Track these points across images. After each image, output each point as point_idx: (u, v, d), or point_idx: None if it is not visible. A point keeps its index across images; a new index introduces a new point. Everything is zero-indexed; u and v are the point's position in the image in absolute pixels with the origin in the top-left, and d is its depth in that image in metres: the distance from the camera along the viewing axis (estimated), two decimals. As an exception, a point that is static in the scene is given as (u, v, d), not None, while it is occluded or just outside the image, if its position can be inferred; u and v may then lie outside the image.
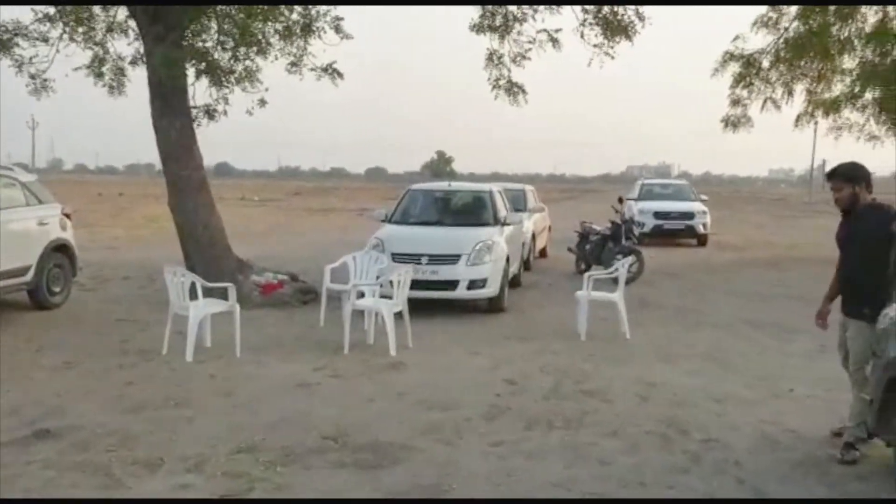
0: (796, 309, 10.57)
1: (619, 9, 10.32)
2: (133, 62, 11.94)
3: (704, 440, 5.34)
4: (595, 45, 10.77)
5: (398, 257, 9.73)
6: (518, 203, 14.65)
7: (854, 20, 15.37)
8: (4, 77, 12.29)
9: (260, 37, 11.11)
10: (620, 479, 4.66)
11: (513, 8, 11.24)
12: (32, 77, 11.65)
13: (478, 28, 11.66)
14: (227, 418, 5.68)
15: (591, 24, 10.62)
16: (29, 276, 9.33)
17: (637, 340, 8.55)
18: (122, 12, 11.58)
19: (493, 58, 11.84)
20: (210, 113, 11.46)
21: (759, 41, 17.12)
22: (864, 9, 15.29)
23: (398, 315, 8.00)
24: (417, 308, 8.65)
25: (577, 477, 4.70)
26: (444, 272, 9.79)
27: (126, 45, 12.06)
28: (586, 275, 9.17)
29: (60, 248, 9.98)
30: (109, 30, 11.81)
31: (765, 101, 17.15)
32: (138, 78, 11.44)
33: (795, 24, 16.15)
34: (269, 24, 11.10)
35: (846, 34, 15.64)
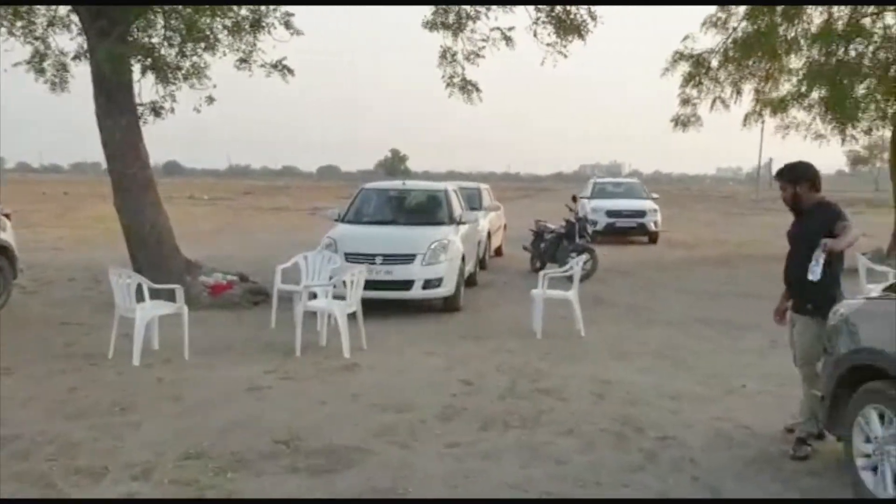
0: (746, 306, 10.75)
1: (572, 8, 10.36)
2: (76, 58, 11.56)
3: (659, 438, 5.35)
4: (548, 44, 10.80)
5: (351, 257, 9.61)
6: (473, 202, 14.63)
7: (800, 21, 15.65)
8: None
9: (208, 32, 10.88)
10: (577, 479, 4.63)
11: (466, 6, 11.21)
12: (-31, 74, 11.25)
13: (431, 25, 11.61)
14: (175, 423, 5.52)
15: (543, 22, 10.64)
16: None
17: (591, 338, 8.57)
18: (63, 7, 11.23)
19: (446, 55, 11.80)
20: (157, 110, 11.19)
21: (709, 41, 17.40)
22: (809, 9, 15.58)
23: (352, 316, 7.88)
24: (371, 309, 8.55)
25: (534, 477, 4.66)
26: (399, 272, 9.69)
27: (69, 41, 11.69)
28: (541, 273, 9.17)
29: (-1, 250, 9.63)
30: (51, 24, 11.42)
31: (714, 101, 17.36)
32: (82, 74, 11.11)
33: (744, 24, 16.36)
34: (217, 19, 10.85)
35: (793, 34, 15.90)
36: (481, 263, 13.52)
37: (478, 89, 11.90)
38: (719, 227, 27.92)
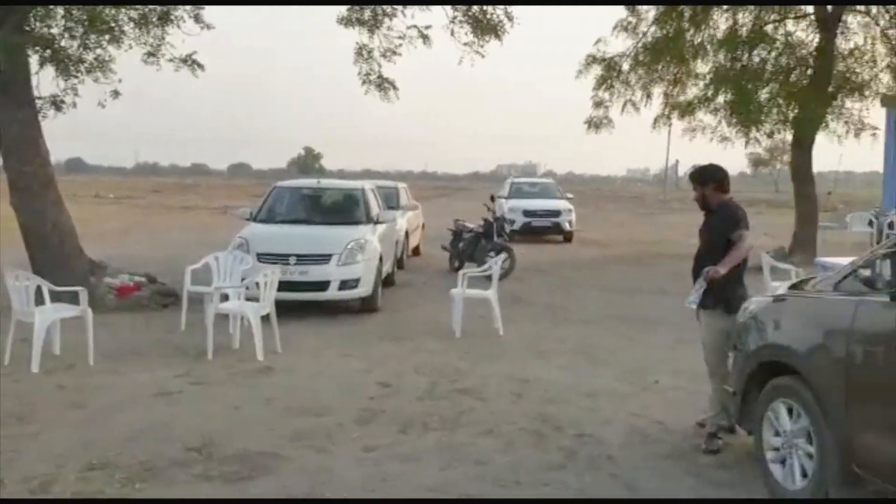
0: (659, 302, 11.01)
1: (489, 8, 10.39)
2: (-32, 47, 10.92)
3: (578, 435, 5.38)
4: (465, 44, 10.81)
5: (264, 257, 9.37)
6: (391, 201, 14.52)
7: (707, 27, 16.15)
8: None
9: (112, 24, 10.42)
10: (497, 479, 4.61)
11: (383, 5, 11.11)
12: None
13: (346, 21, 11.45)
14: (79, 433, 5.24)
15: (460, 22, 10.64)
16: None
17: (510, 337, 8.60)
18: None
19: (362, 52, 11.67)
20: (57, 104, 10.68)
21: (620, 45, 17.73)
22: (716, 16, 16.10)
23: (265, 318, 7.68)
24: (286, 310, 8.35)
25: (454, 479, 4.62)
26: (315, 272, 9.51)
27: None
28: (461, 272, 9.16)
29: None
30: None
31: (625, 104, 17.74)
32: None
33: (653, 29, 16.80)
34: (122, 10, 10.41)
35: (699, 40, 16.40)
36: (399, 263, 13.43)
37: (394, 87, 11.82)
38: (630, 226, 28.60)
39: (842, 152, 56.46)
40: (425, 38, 11.24)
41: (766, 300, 4.90)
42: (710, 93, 15.92)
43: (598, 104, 17.86)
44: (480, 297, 8.87)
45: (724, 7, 16.08)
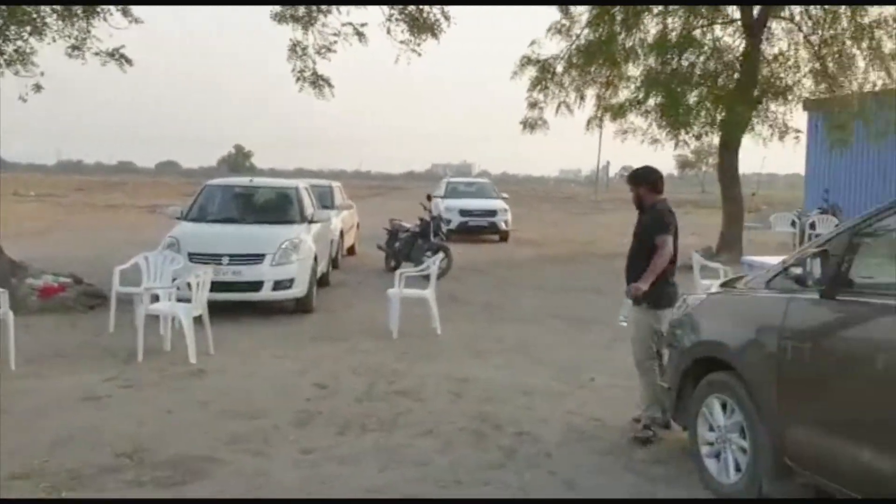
0: (593, 301, 11.16)
1: (426, 7, 10.37)
2: None
3: (516, 434, 5.40)
4: (402, 42, 10.77)
5: (196, 257, 9.14)
6: (325, 200, 14.37)
7: (638, 30, 16.47)
8: None
9: (34, 15, 10.01)
10: (437, 480, 4.59)
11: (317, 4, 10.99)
12: None
13: (280, 18, 11.28)
14: (1, 440, 4.99)
15: (397, 20, 10.58)
16: None
17: (448, 336, 8.58)
18: None
19: (296, 49, 11.51)
20: (-26, 97, 10.22)
21: (554, 47, 17.92)
22: (646, 20, 16.43)
23: (198, 319, 7.49)
24: (218, 311, 8.14)
25: (393, 480, 4.57)
26: (248, 273, 9.32)
27: None
28: (398, 272, 9.09)
29: None
30: None
31: (559, 105, 17.96)
32: None
33: (586, 31, 17.05)
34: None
35: (631, 44, 16.72)
36: (334, 263, 13.27)
37: (329, 84, 11.73)
38: (564, 226, 28.95)
39: (765, 155, 58.24)
40: (361, 35, 11.16)
41: (699, 298, 5.00)
42: (640, 95, 16.24)
43: (533, 105, 18.04)
44: (418, 297, 8.83)
45: (655, 11, 16.44)
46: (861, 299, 3.60)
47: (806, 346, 3.78)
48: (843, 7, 14.93)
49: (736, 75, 16.00)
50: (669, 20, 16.20)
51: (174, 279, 8.27)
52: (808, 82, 16.16)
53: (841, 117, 15.50)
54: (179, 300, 7.82)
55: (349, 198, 17.85)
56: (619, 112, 17.32)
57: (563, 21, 17.40)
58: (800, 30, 16.03)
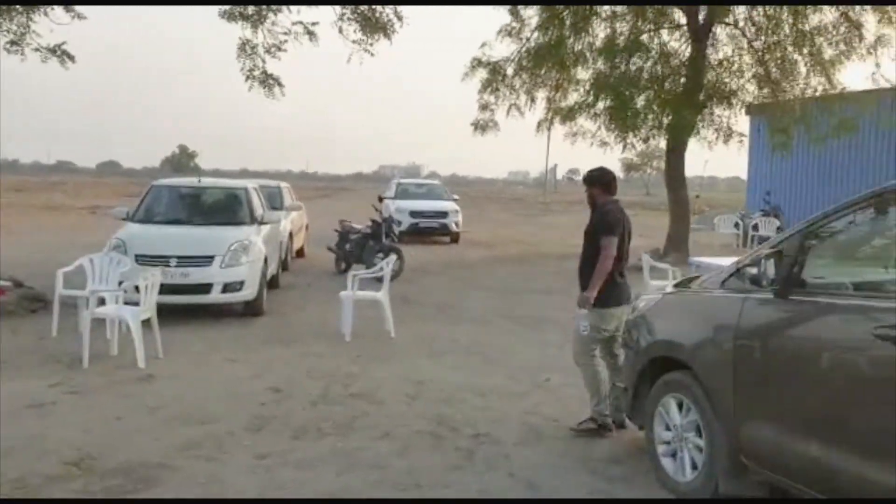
0: (545, 302, 11.24)
1: (378, 6, 10.31)
2: None
3: (474, 436, 5.39)
4: (354, 42, 10.69)
5: (143, 259, 8.93)
6: (274, 201, 14.18)
7: (587, 34, 16.65)
8: None
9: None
10: (396, 483, 4.54)
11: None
12: None
13: (229, 16, 11.10)
14: (-62, 452, 4.80)
15: (349, 19, 10.50)
16: None
17: (402, 338, 8.53)
18: None
19: (246, 48, 11.33)
20: None
21: (505, 49, 18.04)
22: (595, 24, 16.63)
23: (146, 323, 7.30)
24: (166, 314, 7.95)
25: (351, 484, 4.52)
26: (197, 275, 9.14)
27: None
28: (350, 274, 9.00)
29: None
30: None
31: (510, 107, 18.08)
32: None
33: (536, 34, 17.17)
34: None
35: (580, 47, 16.89)
36: (283, 265, 13.11)
37: (279, 83, 11.58)
38: (514, 227, 29.13)
39: (707, 159, 59.72)
40: (311, 34, 11.04)
41: (655, 298, 5.06)
42: (590, 99, 16.41)
43: (484, 107, 18.12)
44: (371, 299, 8.76)
45: (603, 16, 16.65)
46: (812, 299, 3.67)
47: (760, 345, 3.85)
48: (786, 14, 15.33)
49: (682, 80, 16.30)
50: (617, 25, 16.43)
51: (121, 282, 8.06)
52: (751, 87, 16.55)
53: (783, 121, 15.90)
54: (126, 303, 7.62)
55: (297, 199, 17.67)
56: (568, 115, 17.49)
57: (514, 24, 17.51)
58: (744, 35, 16.41)
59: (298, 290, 12.07)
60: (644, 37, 16.32)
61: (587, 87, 16.84)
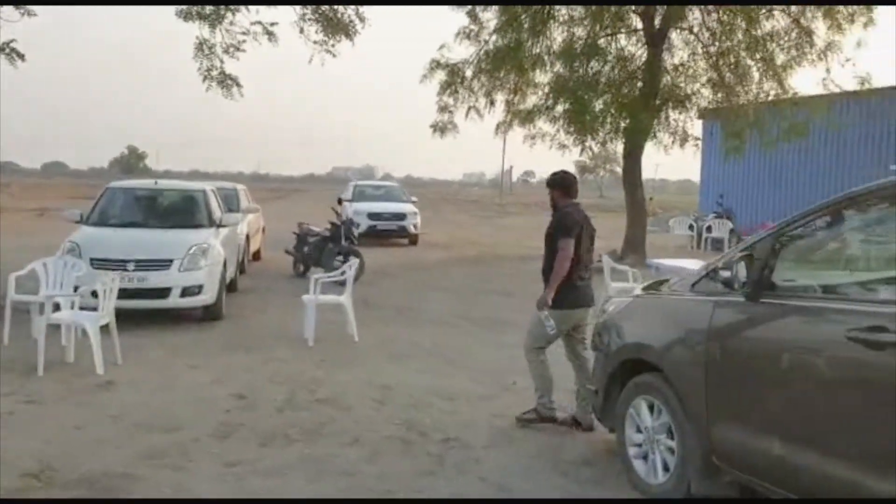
0: (505, 303, 11.26)
1: (340, 7, 10.23)
2: None
3: (444, 440, 5.36)
4: (315, 42, 10.58)
5: (98, 263, 8.72)
6: (231, 203, 13.96)
7: (545, 38, 16.77)
8: None
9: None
10: (367, 489, 4.50)
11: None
12: None
13: (186, 15, 10.91)
14: None
15: (310, 20, 10.39)
16: None
17: (365, 342, 8.47)
18: None
19: (203, 47, 11.15)
20: None
21: (464, 51, 18.07)
22: (553, 28, 16.76)
23: (104, 328, 7.12)
24: (122, 319, 7.71)
25: (323, 492, 4.46)
26: (155, 279, 8.96)
27: None
28: (313, 277, 8.90)
29: None
30: None
31: (469, 109, 18.11)
32: None
33: (494, 37, 17.24)
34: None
35: (538, 51, 17.01)
36: (241, 268, 12.93)
37: (238, 84, 11.44)
38: (471, 228, 29.22)
39: (658, 162, 60.75)
40: (271, 35, 10.91)
41: (625, 301, 5.10)
42: (549, 102, 16.54)
43: (443, 109, 18.12)
44: (334, 303, 8.68)
45: (561, 20, 16.79)
46: (783, 302, 3.73)
47: (731, 348, 3.90)
48: (739, 20, 15.64)
49: (639, 84, 16.52)
50: (575, 29, 16.58)
51: (76, 287, 7.85)
52: (706, 92, 16.86)
53: (737, 125, 16.21)
54: (82, 308, 7.43)
55: (253, 201, 17.45)
56: (527, 118, 17.60)
57: (472, 26, 17.57)
58: (698, 40, 16.70)
59: (257, 294, 11.92)
60: (601, 41, 16.51)
61: (546, 91, 16.97)
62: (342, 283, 9.04)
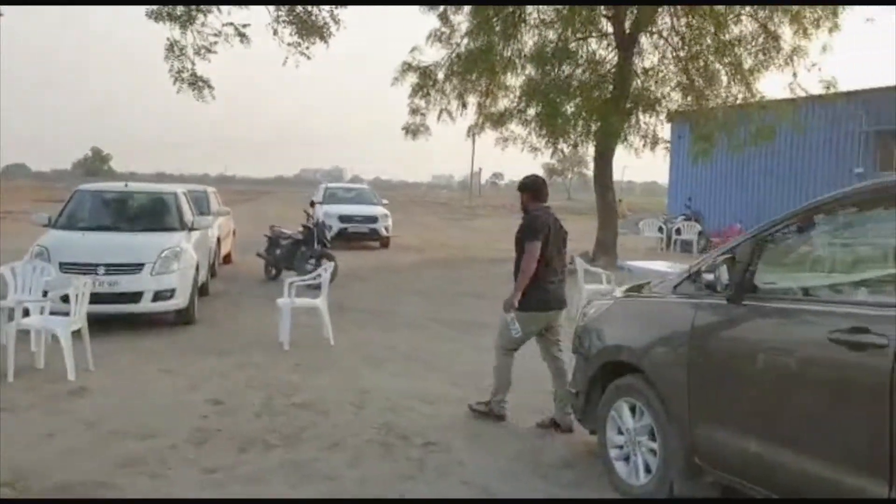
0: (478, 306, 11.26)
1: (314, 9, 10.17)
2: None
3: (424, 444, 5.34)
4: (289, 44, 10.51)
5: (68, 267, 8.57)
6: (201, 206, 13.81)
7: (516, 41, 16.84)
8: None
9: None
10: (350, 494, 4.47)
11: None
12: None
13: (156, 16, 10.77)
14: None
15: (284, 21, 10.32)
16: None
17: (341, 346, 8.42)
18: None
19: (174, 49, 11.02)
20: None
21: (435, 54, 18.08)
22: (524, 31, 16.83)
23: (75, 334, 6.99)
24: (92, 324, 7.57)
25: (305, 497, 4.42)
26: (126, 283, 8.82)
27: None
28: (288, 281, 8.82)
29: None
30: None
31: (441, 112, 18.12)
32: None
33: (466, 40, 17.27)
34: None
35: (509, 54, 17.07)
36: (212, 271, 12.79)
37: (209, 85, 11.31)
38: (442, 231, 29.21)
39: (625, 164, 61.37)
40: (243, 36, 10.82)
41: (606, 304, 5.12)
42: (521, 105, 16.60)
43: (415, 111, 18.10)
44: (310, 307, 8.62)
45: (532, 23, 16.87)
46: (764, 304, 3.78)
47: (714, 349, 3.94)
48: (708, 24, 15.84)
49: (610, 87, 16.64)
50: (547, 32, 16.66)
51: (45, 291, 7.70)
52: (676, 95, 17.04)
53: (706, 129, 16.41)
54: (52, 314, 7.29)
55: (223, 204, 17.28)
56: (499, 120, 17.66)
57: (443, 29, 17.59)
58: (668, 44, 16.88)
59: (229, 298, 11.79)
60: (572, 45, 16.60)
61: (518, 94, 17.04)
62: (316, 287, 8.97)
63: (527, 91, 16.53)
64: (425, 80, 17.64)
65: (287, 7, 10.22)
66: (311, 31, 10.33)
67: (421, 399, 6.43)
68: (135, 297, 8.85)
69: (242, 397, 6.36)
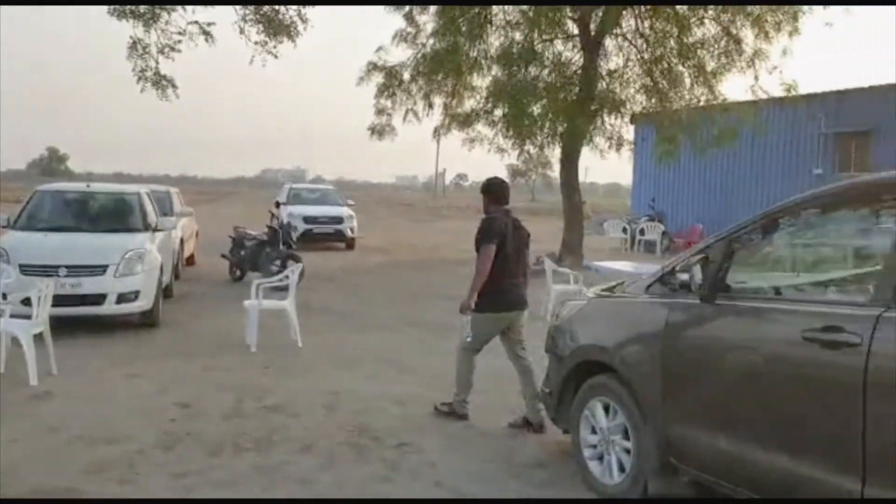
0: (446, 307, 11.20)
1: (281, 8, 10.08)
2: None
3: (397, 445, 5.32)
4: (256, 43, 10.40)
5: (28, 269, 8.41)
6: (164, 206, 13.59)
7: (482, 42, 16.87)
8: None
9: None
10: (324, 497, 4.43)
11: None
12: None
13: (119, 14, 10.59)
14: None
15: (251, 20, 10.21)
16: None
17: (310, 348, 8.35)
18: None
19: (137, 47, 10.84)
20: None
21: (401, 54, 18.04)
22: (490, 32, 16.87)
23: (37, 337, 6.83)
24: (56, 327, 7.41)
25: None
26: (89, 285, 8.66)
27: None
28: (255, 283, 8.72)
29: None
30: None
31: (406, 112, 18.08)
32: None
33: (432, 41, 17.26)
34: None
35: (475, 55, 17.09)
36: (175, 273, 12.61)
37: (174, 85, 11.15)
38: (407, 232, 29.15)
39: (587, 165, 61.85)
40: (208, 35, 10.68)
41: (579, 304, 5.15)
42: (488, 106, 16.64)
43: (381, 112, 18.04)
44: (277, 308, 8.53)
45: (498, 24, 16.92)
46: (737, 303, 3.82)
47: (687, 348, 3.98)
48: (671, 27, 16.03)
49: (576, 89, 16.75)
50: (513, 33, 16.72)
51: (5, 294, 7.53)
52: (640, 97, 17.21)
53: (670, 131, 16.60)
54: (13, 316, 7.12)
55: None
56: (466, 121, 17.67)
57: (409, 29, 17.55)
58: (633, 46, 17.05)
59: (193, 300, 11.64)
60: (538, 46, 16.68)
61: (485, 94, 17.07)
62: (283, 289, 8.89)
63: (493, 92, 16.58)
64: (391, 81, 17.60)
65: (254, 6, 10.12)
66: (278, 29, 10.23)
67: (393, 401, 6.40)
68: (98, 299, 8.70)
69: (211, 400, 6.27)
